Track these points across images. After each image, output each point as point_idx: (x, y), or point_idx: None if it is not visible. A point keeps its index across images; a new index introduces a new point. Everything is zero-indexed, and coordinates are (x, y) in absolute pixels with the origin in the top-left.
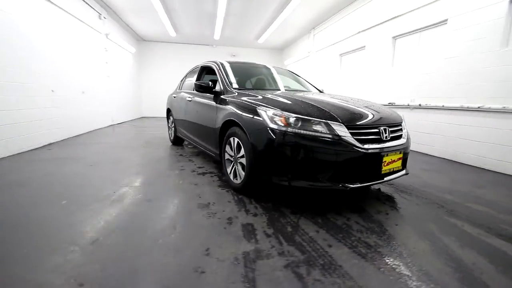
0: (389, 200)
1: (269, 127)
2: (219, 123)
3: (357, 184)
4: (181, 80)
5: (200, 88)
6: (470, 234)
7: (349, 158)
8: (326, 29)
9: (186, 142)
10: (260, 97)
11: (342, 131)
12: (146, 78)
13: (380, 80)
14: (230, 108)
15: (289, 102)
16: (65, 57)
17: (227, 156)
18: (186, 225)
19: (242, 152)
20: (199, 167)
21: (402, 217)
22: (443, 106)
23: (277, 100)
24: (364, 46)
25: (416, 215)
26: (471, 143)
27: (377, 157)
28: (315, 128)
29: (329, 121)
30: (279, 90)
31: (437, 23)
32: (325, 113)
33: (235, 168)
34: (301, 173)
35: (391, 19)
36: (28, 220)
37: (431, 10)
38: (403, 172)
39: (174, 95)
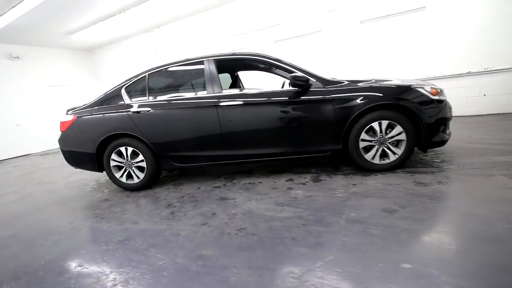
0: None
1: (435, 99)
2: (343, 115)
3: None
4: (132, 86)
5: (299, 81)
6: None
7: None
8: (180, 29)
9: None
10: (370, 81)
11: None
12: None
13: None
14: (363, 96)
15: (402, 80)
16: None
17: (364, 144)
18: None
19: (395, 131)
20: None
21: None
22: None
23: (391, 80)
24: (244, 48)
25: None
26: None
27: None
28: (443, 93)
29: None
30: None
31: (313, 32)
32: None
33: (382, 150)
34: (447, 129)
35: (272, 26)
36: None
37: (309, 22)
38: None
39: (146, 110)
